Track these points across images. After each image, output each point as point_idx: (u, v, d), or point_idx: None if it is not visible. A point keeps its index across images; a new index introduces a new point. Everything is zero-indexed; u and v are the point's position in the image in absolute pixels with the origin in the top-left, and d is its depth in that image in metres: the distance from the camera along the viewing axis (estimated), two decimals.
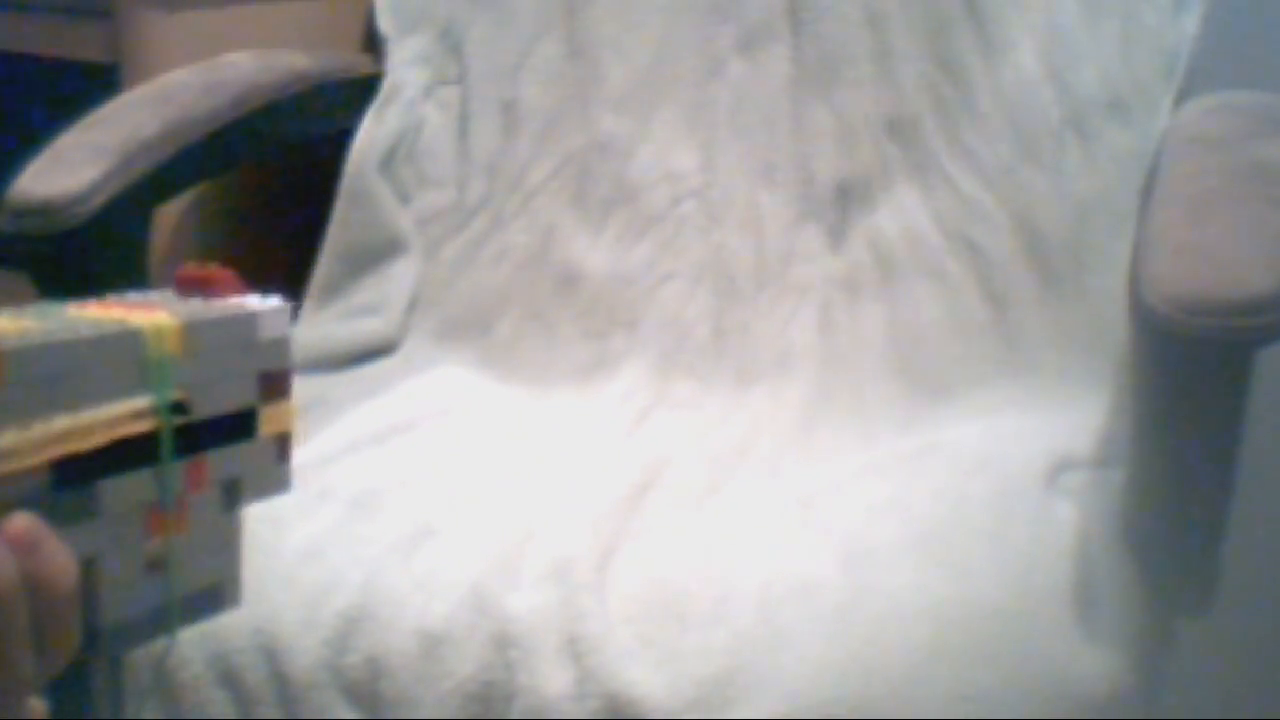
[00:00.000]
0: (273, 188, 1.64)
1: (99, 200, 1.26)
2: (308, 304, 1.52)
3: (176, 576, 0.47)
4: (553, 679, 1.05)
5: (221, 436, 0.48)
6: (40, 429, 0.41)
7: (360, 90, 1.58)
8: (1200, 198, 1.15)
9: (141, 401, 0.44)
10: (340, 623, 1.10)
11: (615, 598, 1.09)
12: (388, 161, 1.56)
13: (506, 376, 1.47)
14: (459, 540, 1.15)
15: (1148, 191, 1.29)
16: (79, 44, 1.52)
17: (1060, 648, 1.03)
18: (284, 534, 1.15)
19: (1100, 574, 1.08)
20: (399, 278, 1.54)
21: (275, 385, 0.50)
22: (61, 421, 0.42)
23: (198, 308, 0.48)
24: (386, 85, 1.58)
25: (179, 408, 0.46)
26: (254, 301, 0.50)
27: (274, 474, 0.51)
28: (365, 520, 1.18)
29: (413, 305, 1.54)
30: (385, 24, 1.62)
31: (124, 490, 0.44)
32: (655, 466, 1.27)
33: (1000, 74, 1.46)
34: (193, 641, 1.12)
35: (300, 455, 0.54)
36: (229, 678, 1.12)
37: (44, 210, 1.24)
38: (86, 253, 1.27)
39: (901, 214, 1.45)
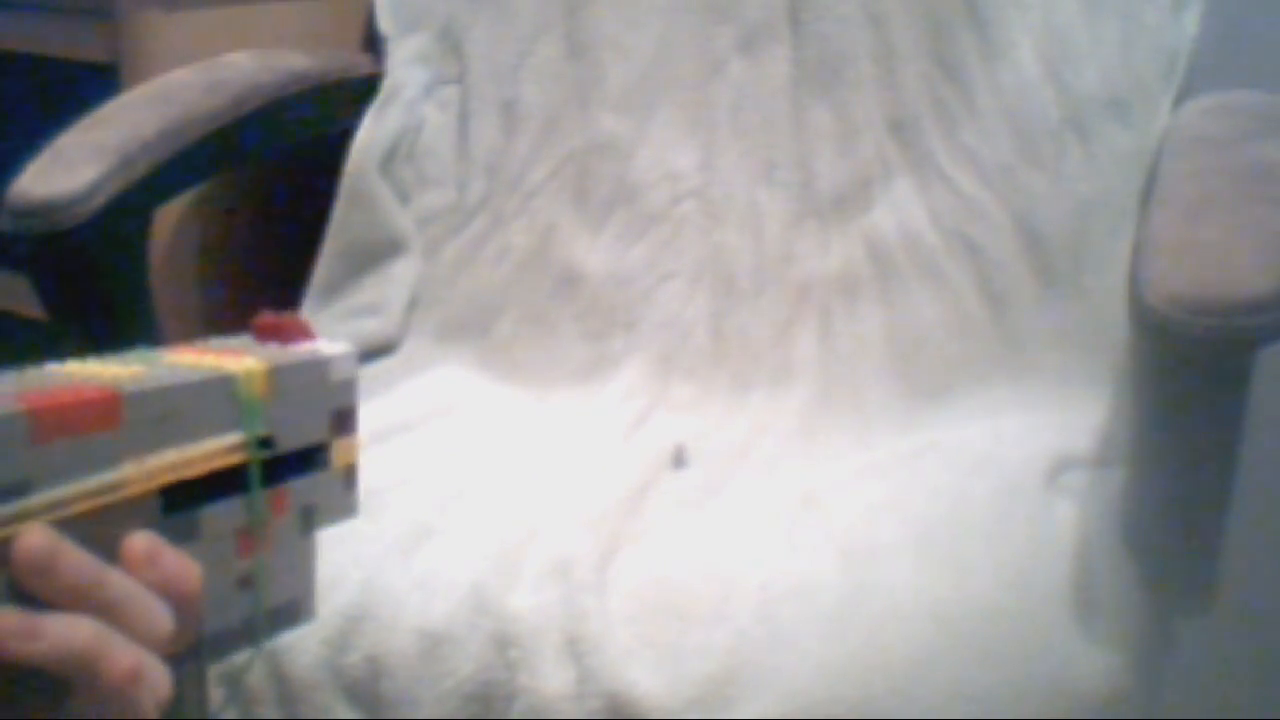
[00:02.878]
0: (273, 188, 1.64)
1: (99, 200, 1.26)
2: (308, 304, 1.52)
3: (262, 592, 0.53)
4: (553, 679, 1.05)
5: (300, 468, 0.54)
6: (153, 461, 0.48)
7: (360, 90, 1.58)
8: (1200, 198, 1.15)
9: (234, 438, 0.51)
10: (340, 622, 1.10)
11: (616, 597, 1.09)
12: (388, 161, 1.56)
13: (506, 376, 1.47)
14: (459, 540, 1.15)
15: (1148, 191, 1.29)
16: (79, 44, 1.52)
17: (1060, 648, 1.03)
18: None
19: (1100, 574, 1.08)
20: (399, 278, 1.54)
21: (344, 421, 0.56)
22: (170, 455, 0.48)
23: (278, 353, 0.54)
24: (386, 85, 1.58)
25: (266, 443, 0.52)
26: (325, 345, 0.56)
27: (343, 500, 0.58)
28: (365, 520, 1.17)
29: (413, 305, 1.54)
30: (385, 24, 1.61)
31: (220, 516, 0.51)
32: (655, 467, 1.27)
33: (1000, 74, 1.46)
34: None
35: None
36: (229, 677, 1.12)
37: (44, 210, 1.24)
38: (86, 253, 1.27)
39: (901, 214, 1.45)
